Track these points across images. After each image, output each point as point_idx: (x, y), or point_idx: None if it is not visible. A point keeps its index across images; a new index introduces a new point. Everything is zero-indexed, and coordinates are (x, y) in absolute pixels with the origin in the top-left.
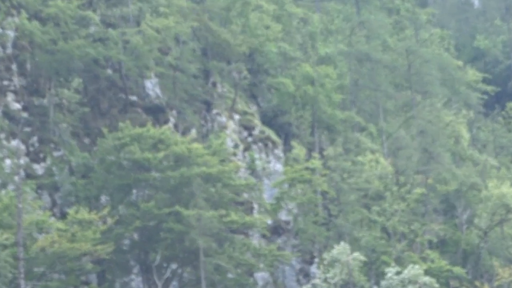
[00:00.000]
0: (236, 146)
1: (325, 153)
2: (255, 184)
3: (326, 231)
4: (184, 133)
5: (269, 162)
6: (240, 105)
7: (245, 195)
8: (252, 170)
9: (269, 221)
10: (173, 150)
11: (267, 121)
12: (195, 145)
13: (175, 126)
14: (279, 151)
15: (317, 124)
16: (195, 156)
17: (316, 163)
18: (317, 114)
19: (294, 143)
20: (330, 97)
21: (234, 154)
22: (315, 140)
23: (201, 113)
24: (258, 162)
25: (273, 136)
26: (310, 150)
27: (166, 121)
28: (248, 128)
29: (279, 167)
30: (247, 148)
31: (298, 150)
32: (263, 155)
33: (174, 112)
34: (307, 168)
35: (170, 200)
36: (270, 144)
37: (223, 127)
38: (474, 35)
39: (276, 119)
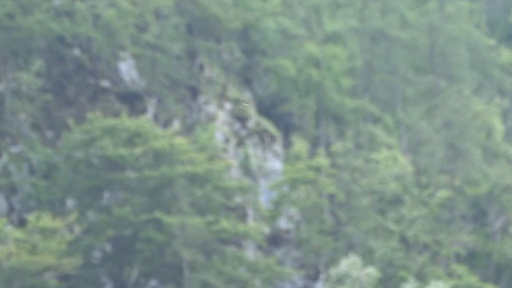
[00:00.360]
0: (227, 140)
1: (332, 149)
2: (250, 186)
3: (334, 241)
4: (166, 125)
5: (266, 159)
6: (232, 92)
7: (238, 199)
8: (246, 169)
9: (266, 230)
10: (152, 145)
11: (264, 111)
12: (179, 139)
13: (155, 116)
14: (278, 147)
15: (323, 115)
16: (178, 152)
17: (322, 161)
18: (323, 102)
19: (295, 137)
20: (339, 82)
21: (225, 151)
22: (321, 134)
23: (185, 102)
24: (253, 160)
25: (271, 129)
26: (314, 146)
27: (144, 111)
28: (242, 119)
29: (278, 165)
30: (240, 143)
31: (301, 145)
32: (259, 152)
33: (153, 100)
34: (311, 167)
35: (148, 204)
36: (267, 139)
37: (212, 118)
38: (510, 9)
39: (274, 109)
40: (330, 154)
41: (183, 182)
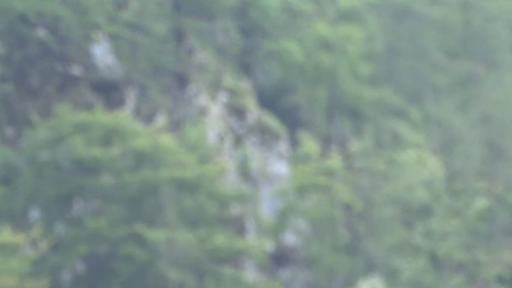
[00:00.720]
0: (221, 139)
1: (348, 149)
2: (249, 193)
3: (351, 260)
4: (148, 120)
5: (268, 162)
6: (228, 81)
7: (235, 210)
8: (244, 173)
9: (270, 246)
10: (132, 144)
11: (266, 103)
12: (164, 137)
13: (135, 110)
14: (282, 147)
15: (337, 108)
16: (163, 153)
17: (336, 163)
18: (336, 93)
19: (303, 134)
20: (355, 69)
21: (219, 151)
22: (334, 131)
23: (171, 92)
24: (253, 162)
25: (275, 125)
26: (326, 145)
27: (122, 103)
28: (239, 113)
29: (283, 169)
30: (237, 142)
31: (310, 144)
32: (260, 152)
33: (133, 90)
34: (322, 171)
35: (128, 216)
36: (270, 137)
37: (203, 112)
38: None
39: (278, 101)
40: (345, 155)
41: (169, 189)
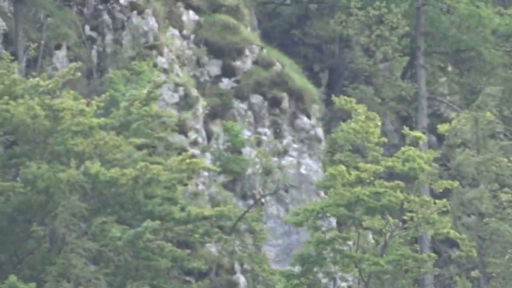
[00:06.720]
0: (186, 103)
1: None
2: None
3: None
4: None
5: (280, 149)
6: None
7: (213, 250)
8: (232, 175)
9: None
10: (4, 110)
11: (274, 32)
12: (70, 98)
13: (4, 37)
14: (311, 122)
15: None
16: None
17: (423, 154)
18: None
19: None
20: None
21: (181, 128)
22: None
23: (87, 6)
24: (251, 151)
25: (295, 77)
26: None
27: None
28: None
29: (313, 165)
30: (218, 111)
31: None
32: (266, 131)
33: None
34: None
35: None
36: (286, 100)
37: (151, 46)
38: None
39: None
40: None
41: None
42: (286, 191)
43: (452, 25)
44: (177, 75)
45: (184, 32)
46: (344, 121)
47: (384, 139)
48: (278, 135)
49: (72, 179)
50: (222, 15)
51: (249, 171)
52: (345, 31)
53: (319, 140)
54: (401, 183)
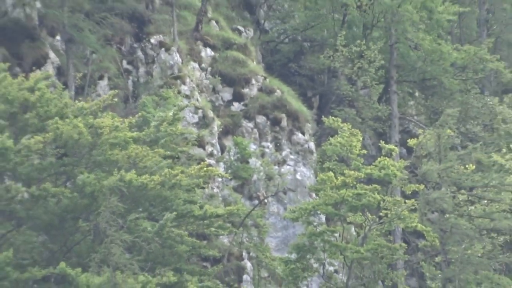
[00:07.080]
0: (204, 123)
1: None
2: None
3: None
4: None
5: (280, 159)
6: (216, 27)
7: (225, 241)
8: (240, 180)
9: None
10: (56, 128)
11: (275, 65)
12: (109, 118)
13: (58, 70)
14: (304, 138)
15: (401, 74)
16: (108, 141)
17: (395, 163)
18: (396, 38)
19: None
20: None
21: (199, 142)
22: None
23: (125, 44)
24: (256, 161)
25: (292, 101)
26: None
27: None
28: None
29: (306, 172)
30: (230, 129)
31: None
32: (269, 145)
33: (55, 39)
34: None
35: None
36: (285, 120)
37: (176, 77)
38: None
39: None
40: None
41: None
42: (285, 193)
43: (419, 59)
44: (197, 100)
45: (203, 65)
46: (332, 136)
47: (364, 151)
48: (278, 148)
49: (112, 185)
50: (233, 52)
51: (255, 177)
52: (333, 64)
53: (312, 152)
54: (378, 187)
